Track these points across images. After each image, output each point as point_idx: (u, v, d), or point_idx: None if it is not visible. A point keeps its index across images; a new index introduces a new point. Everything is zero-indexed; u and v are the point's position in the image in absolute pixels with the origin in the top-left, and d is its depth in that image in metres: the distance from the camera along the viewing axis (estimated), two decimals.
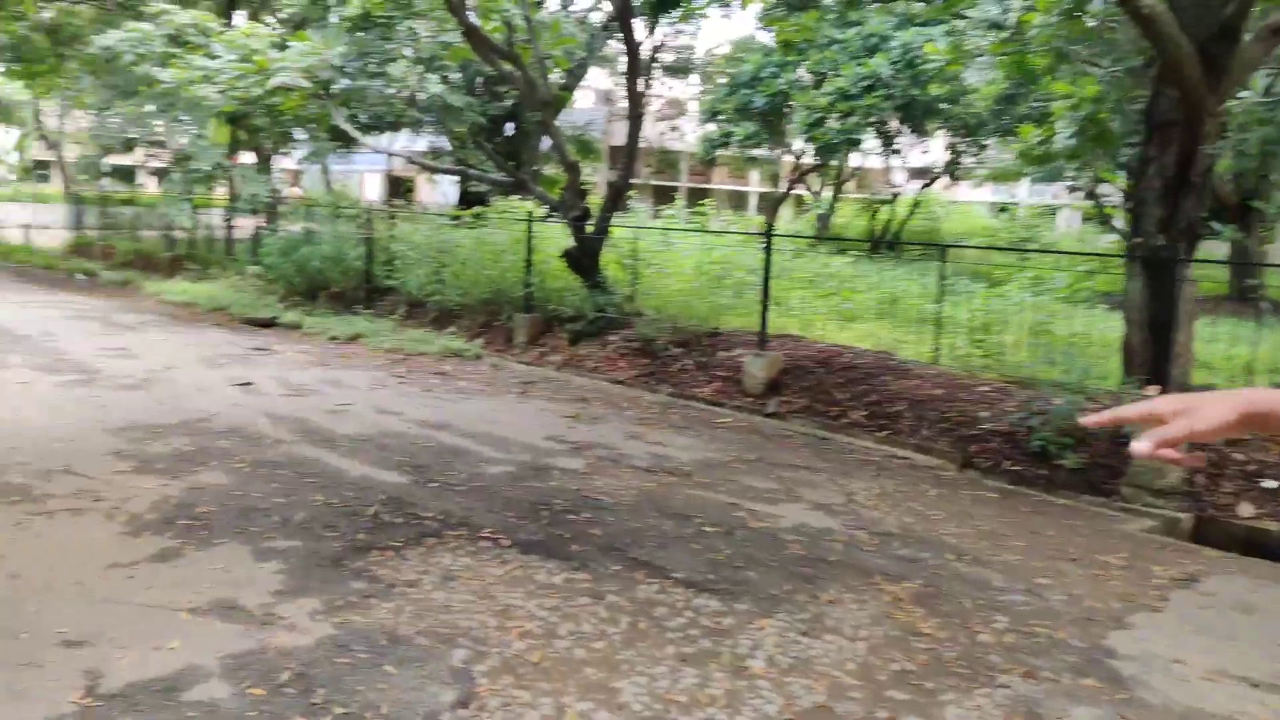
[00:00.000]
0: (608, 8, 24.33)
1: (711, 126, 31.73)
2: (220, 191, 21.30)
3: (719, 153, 31.71)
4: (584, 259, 12.54)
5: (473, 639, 4.47)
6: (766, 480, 7.42)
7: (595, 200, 15.23)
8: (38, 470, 6.62)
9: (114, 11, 18.35)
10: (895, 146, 29.63)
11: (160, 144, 19.76)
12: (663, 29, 29.40)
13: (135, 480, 6.53)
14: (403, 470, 7.12)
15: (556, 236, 13.35)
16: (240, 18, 19.95)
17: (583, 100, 40.33)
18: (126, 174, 28.80)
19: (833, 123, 25.40)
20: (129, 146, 20.65)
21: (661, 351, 11.18)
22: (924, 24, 23.01)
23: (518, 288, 13.09)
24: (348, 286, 15.26)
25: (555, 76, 17.31)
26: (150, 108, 17.90)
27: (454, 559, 5.48)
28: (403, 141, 24.54)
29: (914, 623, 4.94)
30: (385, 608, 4.76)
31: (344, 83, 14.15)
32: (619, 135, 36.32)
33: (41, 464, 6.77)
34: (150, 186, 29.37)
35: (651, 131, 39.96)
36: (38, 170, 44.82)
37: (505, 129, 25.69)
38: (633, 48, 12.88)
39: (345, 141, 19.27)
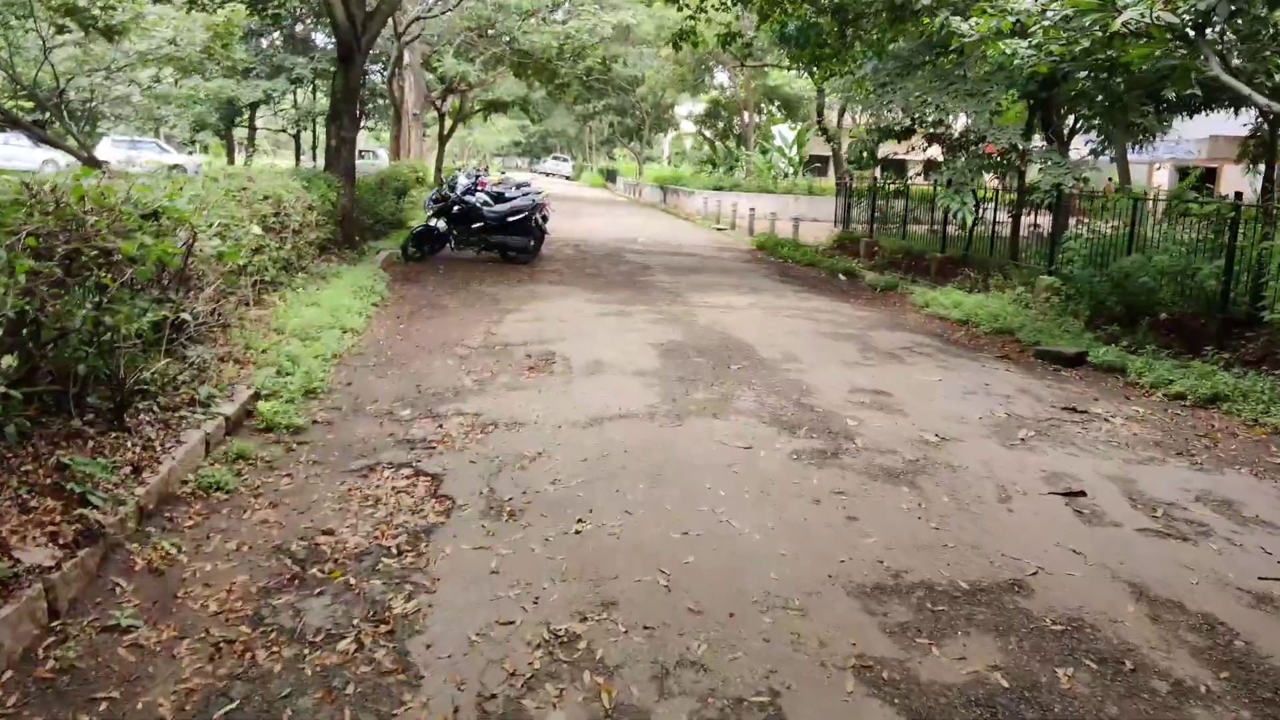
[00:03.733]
0: None
1: None
2: (994, 183, 17.83)
3: None
4: None
5: None
6: None
7: None
8: (727, 697, 3.45)
9: None
10: None
11: (942, 127, 16.79)
12: None
13: None
14: None
15: None
16: None
17: None
18: (899, 165, 27.05)
19: None
20: (905, 133, 18.09)
21: None
22: None
23: None
24: (1186, 314, 10.65)
25: None
26: (936, 82, 14.91)
27: None
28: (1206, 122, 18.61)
29: None
30: None
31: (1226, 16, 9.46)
32: None
33: (730, 667, 3.61)
34: (922, 178, 27.16)
35: None
36: (815, 164, 46.16)
37: None
38: None
39: (1166, 115, 14.49)
